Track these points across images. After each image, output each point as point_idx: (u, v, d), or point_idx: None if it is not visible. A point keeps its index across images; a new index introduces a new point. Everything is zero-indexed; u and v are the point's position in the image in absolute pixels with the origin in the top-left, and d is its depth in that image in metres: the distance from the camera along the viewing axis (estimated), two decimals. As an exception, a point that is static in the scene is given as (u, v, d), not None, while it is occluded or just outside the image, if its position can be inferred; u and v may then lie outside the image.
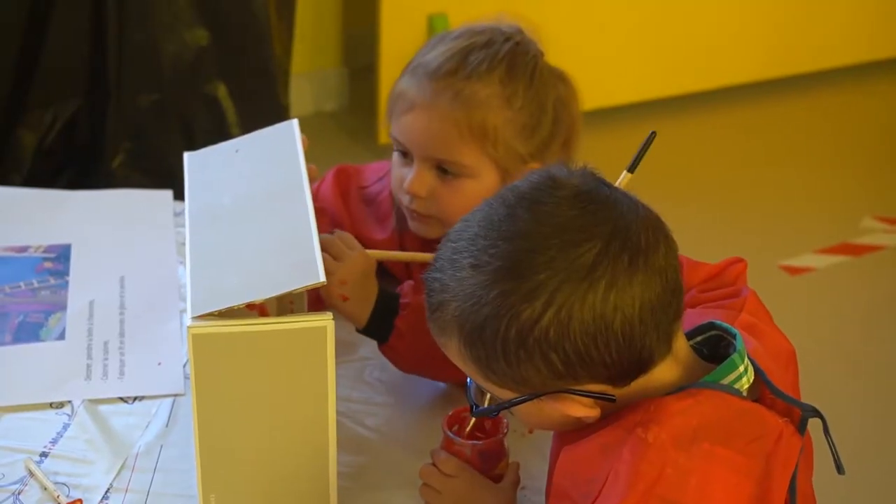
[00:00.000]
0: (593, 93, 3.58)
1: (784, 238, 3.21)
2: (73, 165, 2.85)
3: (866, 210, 3.38)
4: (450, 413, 1.40)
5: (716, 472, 1.10)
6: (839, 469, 1.18)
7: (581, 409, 1.15)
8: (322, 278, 1.22)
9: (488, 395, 1.22)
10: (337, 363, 1.61)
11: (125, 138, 2.82)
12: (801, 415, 1.16)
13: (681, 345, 1.18)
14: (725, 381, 1.16)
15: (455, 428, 1.40)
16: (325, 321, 1.23)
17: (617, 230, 1.11)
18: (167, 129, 2.84)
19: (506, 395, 1.17)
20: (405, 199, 1.62)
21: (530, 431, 1.51)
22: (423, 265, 1.67)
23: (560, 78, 1.63)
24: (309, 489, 1.31)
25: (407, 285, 1.55)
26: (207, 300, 1.23)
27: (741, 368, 1.17)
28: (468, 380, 1.24)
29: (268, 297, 1.23)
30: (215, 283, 1.26)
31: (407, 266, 1.69)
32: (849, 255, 3.17)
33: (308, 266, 1.24)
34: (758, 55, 3.88)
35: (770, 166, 3.56)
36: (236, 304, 1.22)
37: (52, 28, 2.69)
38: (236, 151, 1.49)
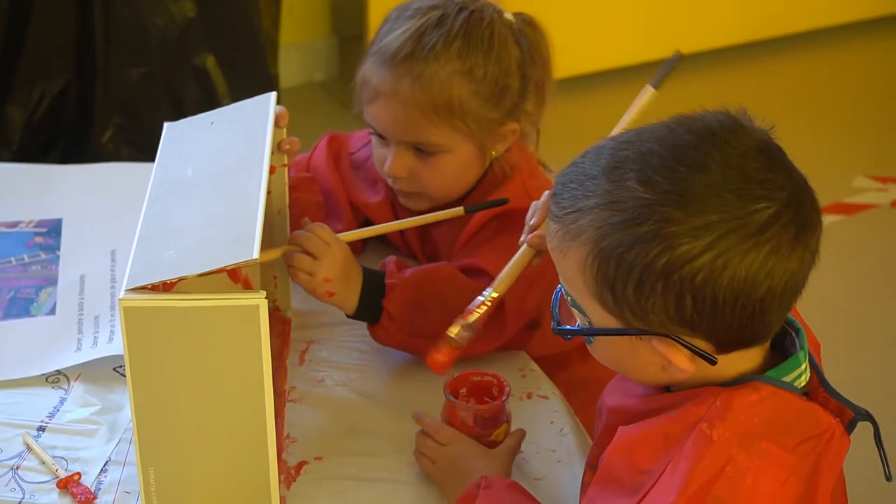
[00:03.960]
0: (579, 58, 3.59)
1: (777, 199, 3.21)
2: (63, 141, 2.84)
3: (858, 169, 3.38)
4: (455, 375, 1.40)
5: (769, 470, 1.08)
6: (888, 477, 1.16)
7: (685, 360, 1.10)
8: (255, 255, 1.20)
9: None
10: (332, 333, 1.62)
11: (114, 113, 2.81)
12: (852, 417, 1.14)
13: None
14: (788, 378, 1.14)
15: (463, 391, 1.41)
16: (257, 300, 1.20)
17: (792, 199, 1.08)
18: (156, 103, 2.83)
19: (605, 321, 1.12)
20: (389, 181, 1.63)
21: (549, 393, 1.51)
22: (417, 231, 1.68)
23: (525, 22, 1.62)
24: (248, 465, 1.30)
25: (390, 262, 1.55)
26: (143, 272, 1.22)
27: (803, 366, 1.15)
28: (556, 294, 1.20)
29: (199, 272, 1.21)
30: (155, 255, 1.24)
31: (402, 233, 1.69)
32: (842, 215, 3.18)
33: (245, 242, 1.22)
34: (747, 16, 3.87)
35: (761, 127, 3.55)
36: (168, 278, 1.21)
37: (37, 4, 2.68)
38: (211, 123, 1.48)
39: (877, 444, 1.16)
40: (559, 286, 1.19)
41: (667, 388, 1.18)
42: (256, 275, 1.59)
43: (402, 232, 1.70)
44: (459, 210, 1.56)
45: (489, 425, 1.38)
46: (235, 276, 1.53)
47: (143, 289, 1.21)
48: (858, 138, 3.56)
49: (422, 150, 1.58)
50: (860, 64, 3.97)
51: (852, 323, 2.83)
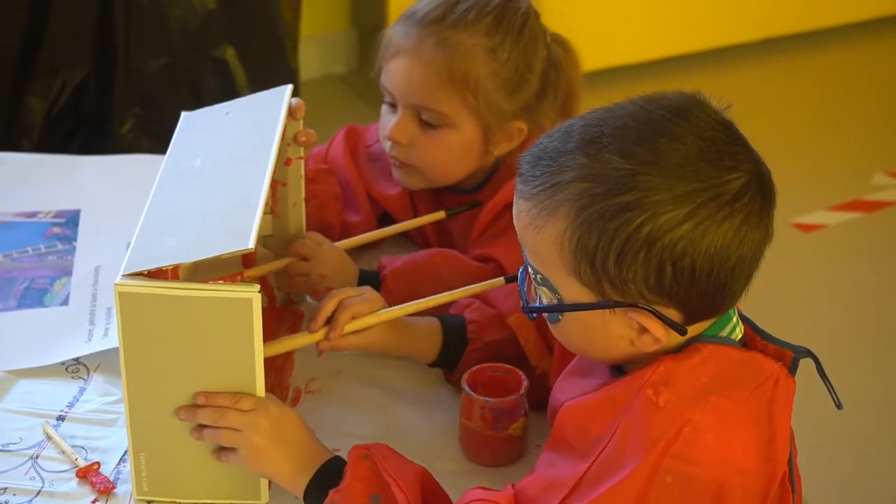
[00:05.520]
0: (595, 53, 3.58)
1: (796, 195, 3.20)
2: (83, 132, 2.85)
3: (878, 166, 3.37)
4: (474, 369, 1.41)
5: (728, 424, 1.11)
6: (838, 405, 1.20)
7: (660, 330, 1.13)
8: (251, 245, 1.19)
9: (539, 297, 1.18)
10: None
11: (134, 104, 2.81)
12: (793, 357, 1.17)
13: None
14: (724, 333, 1.17)
15: (481, 384, 1.41)
16: (251, 293, 1.20)
17: (756, 171, 1.12)
18: (176, 94, 2.84)
19: (578, 297, 1.14)
20: (387, 146, 1.64)
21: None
22: (434, 224, 1.69)
23: (558, 42, 1.63)
24: None
25: (385, 259, 1.58)
26: (141, 259, 1.23)
27: (734, 319, 1.18)
28: (522, 272, 1.21)
29: (193, 260, 1.21)
30: (155, 243, 1.25)
31: (421, 229, 1.70)
32: (861, 212, 3.16)
33: (242, 232, 1.22)
34: (766, 13, 3.86)
35: (781, 124, 3.54)
36: (163, 265, 1.21)
37: (58, -6, 2.69)
38: (227, 114, 1.48)
39: (821, 376, 1.19)
40: (523, 266, 1.20)
41: (618, 373, 1.20)
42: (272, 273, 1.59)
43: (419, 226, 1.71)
44: (441, 214, 1.62)
45: (507, 419, 1.38)
46: (251, 266, 1.54)
47: (140, 275, 1.21)
48: (878, 135, 3.55)
49: (427, 123, 1.59)
50: (881, 60, 3.96)
51: (874, 320, 2.82)
